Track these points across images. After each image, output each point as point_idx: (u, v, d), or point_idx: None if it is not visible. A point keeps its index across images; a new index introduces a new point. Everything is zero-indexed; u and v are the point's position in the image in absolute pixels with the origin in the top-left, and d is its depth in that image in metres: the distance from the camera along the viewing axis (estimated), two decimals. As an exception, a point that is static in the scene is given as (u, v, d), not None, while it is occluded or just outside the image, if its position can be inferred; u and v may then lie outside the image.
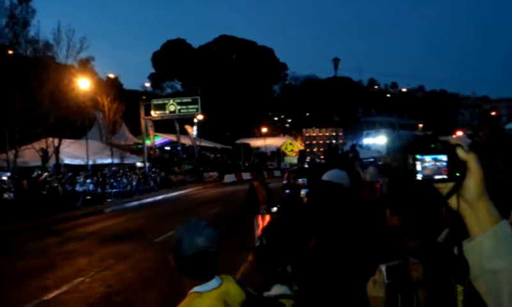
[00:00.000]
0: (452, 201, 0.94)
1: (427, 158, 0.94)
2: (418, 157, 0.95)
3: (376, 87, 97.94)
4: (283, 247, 2.36)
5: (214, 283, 1.90)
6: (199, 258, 1.86)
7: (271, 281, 2.43)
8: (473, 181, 0.91)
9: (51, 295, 7.17)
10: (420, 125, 67.92)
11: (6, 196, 17.54)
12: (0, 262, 10.05)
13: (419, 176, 0.95)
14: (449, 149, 0.94)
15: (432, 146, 0.96)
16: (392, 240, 2.05)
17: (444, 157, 0.94)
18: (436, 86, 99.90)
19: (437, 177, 0.94)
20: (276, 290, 2.41)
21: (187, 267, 1.89)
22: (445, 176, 0.93)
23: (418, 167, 0.95)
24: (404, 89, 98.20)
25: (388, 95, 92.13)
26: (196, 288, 1.86)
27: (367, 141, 46.70)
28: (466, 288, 0.92)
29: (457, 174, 0.92)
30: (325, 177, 4.48)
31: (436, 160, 0.94)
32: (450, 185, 0.93)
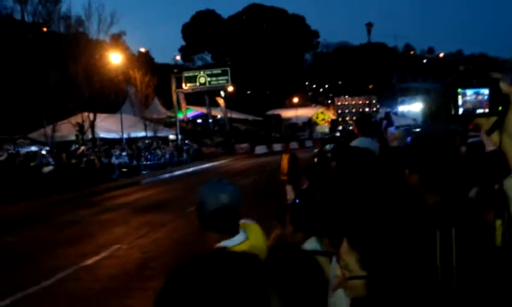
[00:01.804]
0: (494, 136, 0.87)
1: (469, 91, 0.89)
2: (459, 90, 0.89)
3: (412, 52, 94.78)
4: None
5: (240, 237, 1.91)
6: (222, 213, 1.88)
7: (307, 234, 2.46)
8: None
9: (90, 261, 7.44)
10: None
11: (46, 169, 18.18)
12: (42, 231, 10.51)
13: (460, 110, 0.89)
14: (491, 83, 0.87)
15: (475, 80, 0.90)
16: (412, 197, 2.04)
17: (486, 91, 0.87)
18: (476, 49, 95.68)
19: (479, 111, 0.88)
20: (309, 244, 2.41)
21: (211, 223, 1.90)
22: (486, 110, 0.87)
23: (460, 101, 0.89)
24: (441, 54, 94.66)
25: (425, 61, 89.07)
26: (224, 243, 1.86)
27: (402, 108, 45.70)
28: (506, 221, 0.87)
29: (500, 108, 0.85)
30: (353, 143, 4.39)
31: (477, 93, 0.88)
32: (492, 119, 0.87)
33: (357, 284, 1.32)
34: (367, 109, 46.29)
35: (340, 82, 64.50)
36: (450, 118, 0.93)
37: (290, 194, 9.45)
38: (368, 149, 3.90)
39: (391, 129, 8.26)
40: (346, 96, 52.20)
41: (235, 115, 46.45)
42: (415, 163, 2.09)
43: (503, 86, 0.86)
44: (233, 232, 1.91)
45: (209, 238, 1.92)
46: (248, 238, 1.92)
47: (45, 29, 28.00)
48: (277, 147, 39.29)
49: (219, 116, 44.03)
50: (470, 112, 0.90)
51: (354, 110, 46.94)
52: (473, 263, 1.56)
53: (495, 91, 0.87)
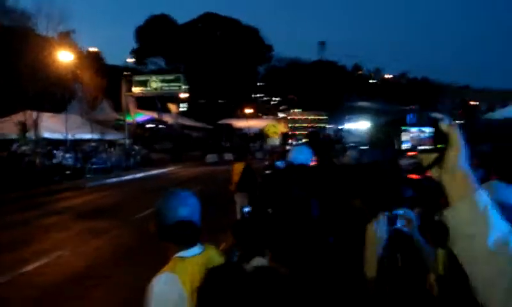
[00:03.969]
0: (434, 171, 0.99)
1: (413, 129, 1.00)
2: (404, 128, 1.00)
3: (360, 72, 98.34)
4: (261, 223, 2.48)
5: (196, 249, 1.95)
6: (181, 226, 1.91)
7: (251, 255, 2.51)
8: (454, 152, 0.96)
9: (30, 267, 7.14)
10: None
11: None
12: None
13: (405, 146, 1.00)
14: (433, 122, 0.99)
15: (417, 119, 1.01)
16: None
17: (428, 129, 0.99)
18: (419, 73, 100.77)
19: (421, 147, 0.99)
20: (256, 262, 2.49)
21: (169, 235, 1.92)
22: (428, 147, 0.99)
23: (404, 137, 1.00)
24: (386, 76, 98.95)
25: (372, 81, 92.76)
26: (180, 253, 1.91)
27: (349, 125, 47.15)
28: (446, 253, 0.96)
29: (440, 146, 0.97)
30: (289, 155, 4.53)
31: (421, 131, 0.99)
32: (433, 155, 0.99)
33: None
34: (316, 125, 47.47)
35: (291, 96, 65.75)
36: (394, 151, 1.04)
37: (240, 203, 9.47)
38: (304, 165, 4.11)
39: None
40: (298, 110, 53.21)
41: (186, 122, 46.03)
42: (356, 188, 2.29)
43: (443, 126, 0.97)
44: (191, 244, 1.94)
45: (167, 248, 1.95)
46: (205, 251, 1.97)
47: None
48: (227, 156, 39.33)
49: (170, 122, 43.47)
50: (413, 148, 1.01)
51: (305, 125, 47.95)
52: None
53: (437, 130, 0.98)
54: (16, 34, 23.33)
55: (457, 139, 0.96)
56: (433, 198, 2.85)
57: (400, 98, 74.35)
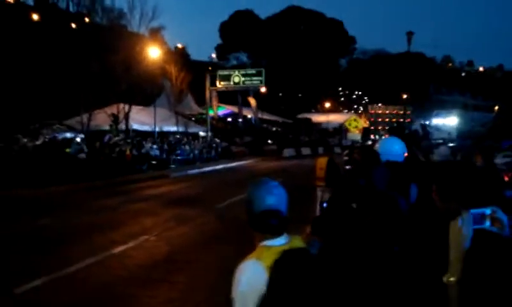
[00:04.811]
0: None
1: None
2: None
3: (450, 64, 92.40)
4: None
5: (283, 239, 1.94)
6: (268, 215, 1.92)
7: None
8: None
9: (118, 250, 7.55)
10: (496, 107, 63.39)
11: (79, 155, 18.65)
12: (71, 217, 10.73)
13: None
14: None
15: None
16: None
17: None
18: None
19: None
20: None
21: (257, 223, 1.94)
22: None
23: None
24: (481, 68, 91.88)
25: (463, 74, 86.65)
26: (266, 242, 1.91)
27: (437, 121, 44.54)
28: None
29: None
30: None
31: None
32: None
33: None
34: (400, 119, 45.38)
35: (374, 90, 63.53)
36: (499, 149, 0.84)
37: (321, 198, 9.30)
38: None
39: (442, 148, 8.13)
40: (380, 104, 51.28)
41: (265, 116, 46.42)
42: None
43: None
44: (278, 233, 1.94)
45: (254, 236, 1.97)
46: (291, 241, 1.95)
47: (87, 20, 28.73)
48: (305, 151, 39.05)
49: (249, 116, 44.19)
50: None
51: (387, 119, 46.12)
52: None
53: None
54: (111, 31, 25.02)
55: None
56: None
57: (494, 92, 68.58)
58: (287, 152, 38.12)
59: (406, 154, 4.18)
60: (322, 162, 9.92)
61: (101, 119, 24.98)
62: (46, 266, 6.56)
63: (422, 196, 3.13)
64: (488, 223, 1.92)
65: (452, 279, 1.97)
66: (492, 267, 1.77)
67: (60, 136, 22.48)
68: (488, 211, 1.96)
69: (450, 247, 2.03)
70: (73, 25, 28.29)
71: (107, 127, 25.28)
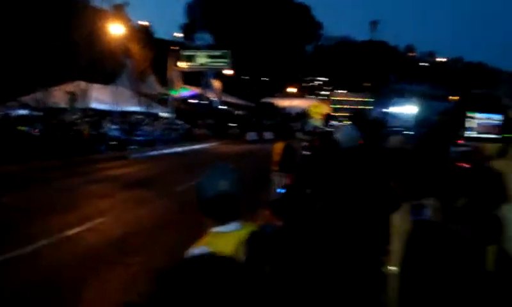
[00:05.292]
0: (497, 162, 0.87)
1: (480, 115, 0.87)
2: (470, 113, 0.88)
3: (412, 54, 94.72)
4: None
5: (235, 225, 1.90)
6: (220, 200, 1.88)
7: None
8: None
9: (73, 232, 7.43)
10: (451, 97, 65.73)
11: (35, 133, 18.02)
12: (24, 198, 10.42)
13: (472, 134, 0.88)
14: (503, 109, 0.86)
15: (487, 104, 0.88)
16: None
17: (498, 117, 0.86)
18: (475, 58, 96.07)
19: (488, 136, 0.87)
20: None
21: (208, 208, 1.90)
22: (496, 136, 0.86)
23: (471, 124, 0.88)
24: (441, 59, 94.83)
25: (424, 64, 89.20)
26: (216, 228, 1.88)
27: (395, 109, 45.70)
28: (498, 249, 0.87)
29: (508, 136, 0.84)
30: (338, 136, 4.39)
31: (489, 118, 0.86)
32: (497, 145, 0.86)
33: None
34: (362, 107, 46.42)
35: (338, 77, 64.44)
36: (458, 138, 0.92)
37: (277, 183, 9.41)
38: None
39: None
40: (343, 91, 52.15)
41: (229, 99, 46.22)
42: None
43: None
44: (229, 220, 1.90)
45: (206, 222, 1.93)
46: (243, 228, 1.91)
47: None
48: (268, 135, 39.27)
49: (213, 98, 43.83)
50: (479, 137, 0.88)
51: (350, 106, 47.01)
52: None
53: (506, 119, 0.86)
54: (71, 4, 24.02)
55: None
56: (481, 189, 2.63)
57: (452, 83, 71.09)
58: (250, 136, 38.22)
59: (360, 142, 4.35)
60: (278, 147, 9.97)
61: (58, 96, 24.08)
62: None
63: (372, 184, 3.23)
64: (428, 214, 1.99)
65: (393, 268, 2.03)
66: (431, 256, 1.80)
67: (13, 113, 21.54)
68: (426, 202, 2.03)
69: (391, 238, 2.10)
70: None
71: (64, 105, 24.43)
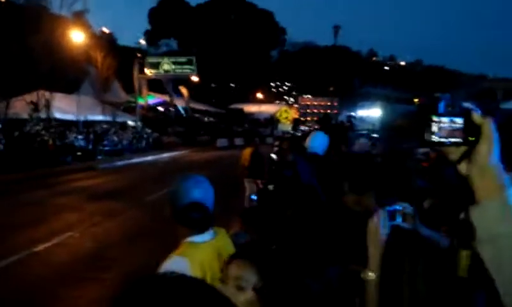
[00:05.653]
0: (462, 166, 0.93)
1: (444, 119, 0.92)
2: (435, 117, 0.93)
3: (375, 58, 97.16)
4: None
5: (208, 235, 1.92)
6: (194, 208, 1.89)
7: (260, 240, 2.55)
8: (485, 147, 0.89)
9: (41, 248, 7.21)
10: (416, 100, 67.74)
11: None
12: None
13: (435, 138, 0.93)
14: (465, 112, 0.92)
15: (450, 108, 0.93)
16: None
17: (460, 120, 0.92)
18: (435, 61, 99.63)
19: (452, 140, 0.93)
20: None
21: (181, 217, 1.90)
22: (459, 140, 0.92)
23: (434, 128, 0.93)
24: (402, 63, 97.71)
25: (386, 68, 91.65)
26: (191, 238, 1.88)
27: (361, 112, 46.67)
28: (471, 253, 0.91)
29: (471, 139, 0.91)
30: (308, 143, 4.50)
31: (452, 122, 0.92)
32: (462, 149, 0.92)
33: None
34: (328, 111, 47.14)
35: (303, 82, 65.29)
36: (423, 142, 0.96)
37: (249, 190, 9.48)
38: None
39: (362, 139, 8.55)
40: (309, 96, 52.83)
41: (197, 106, 45.97)
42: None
43: (476, 117, 0.90)
44: (203, 229, 1.91)
45: (179, 231, 1.92)
46: (216, 238, 1.94)
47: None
48: (238, 141, 39.29)
49: (181, 106, 43.49)
50: (443, 141, 0.93)
51: (316, 110, 47.66)
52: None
53: (468, 122, 0.92)
54: (30, 12, 23.34)
55: (490, 132, 0.89)
56: (448, 190, 2.72)
57: (414, 86, 73.32)
58: (220, 142, 38.11)
59: (326, 147, 4.47)
60: (246, 153, 10.04)
61: (20, 107, 23.29)
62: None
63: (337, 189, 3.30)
64: (399, 219, 2.06)
65: (370, 274, 2.08)
66: (407, 262, 1.84)
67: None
68: (398, 207, 2.10)
69: (368, 243, 2.15)
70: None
71: (26, 116, 23.65)
